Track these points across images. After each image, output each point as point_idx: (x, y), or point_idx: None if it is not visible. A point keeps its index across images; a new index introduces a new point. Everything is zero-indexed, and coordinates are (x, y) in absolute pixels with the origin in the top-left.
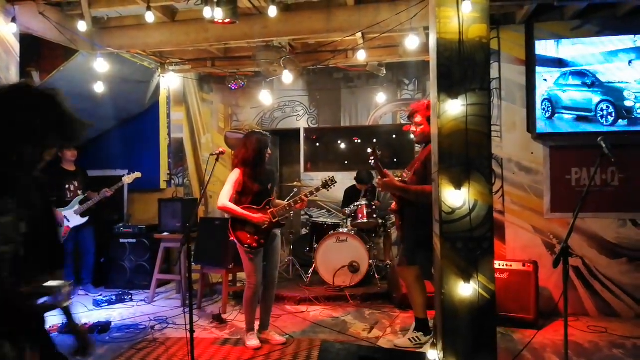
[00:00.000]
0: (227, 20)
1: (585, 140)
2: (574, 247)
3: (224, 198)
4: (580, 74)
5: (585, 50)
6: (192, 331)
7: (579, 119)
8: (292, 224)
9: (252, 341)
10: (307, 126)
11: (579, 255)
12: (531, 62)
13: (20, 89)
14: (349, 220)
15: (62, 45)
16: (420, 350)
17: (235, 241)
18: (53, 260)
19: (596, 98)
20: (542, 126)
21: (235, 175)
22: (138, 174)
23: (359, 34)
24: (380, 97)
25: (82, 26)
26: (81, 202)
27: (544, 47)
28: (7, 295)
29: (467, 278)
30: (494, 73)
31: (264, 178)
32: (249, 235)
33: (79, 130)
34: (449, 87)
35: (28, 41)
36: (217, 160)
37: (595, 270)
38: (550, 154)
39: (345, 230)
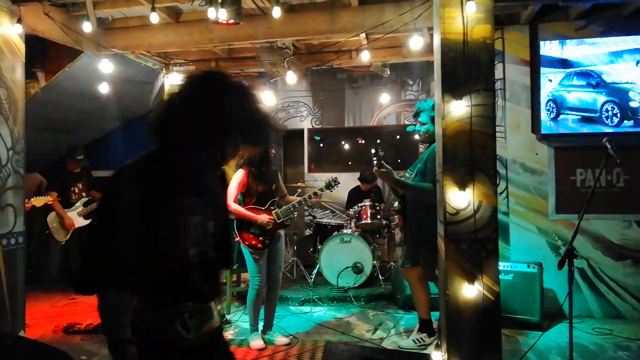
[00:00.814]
0: (231, 21)
1: (590, 141)
2: (579, 249)
3: (228, 199)
4: (585, 74)
5: (590, 51)
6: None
7: (584, 119)
8: (296, 224)
9: (256, 341)
10: (310, 127)
11: (584, 256)
12: (536, 62)
13: (213, 87)
14: (353, 221)
15: (67, 46)
16: (425, 351)
17: (240, 242)
18: (229, 257)
19: (601, 99)
20: (546, 127)
21: (239, 175)
22: None
23: (363, 35)
24: (384, 98)
25: (87, 27)
26: (85, 204)
27: (549, 48)
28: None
29: (471, 279)
30: (498, 74)
31: (268, 178)
32: (253, 236)
33: (267, 132)
34: (453, 87)
35: (33, 42)
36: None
37: (601, 271)
38: (555, 155)
39: (349, 231)
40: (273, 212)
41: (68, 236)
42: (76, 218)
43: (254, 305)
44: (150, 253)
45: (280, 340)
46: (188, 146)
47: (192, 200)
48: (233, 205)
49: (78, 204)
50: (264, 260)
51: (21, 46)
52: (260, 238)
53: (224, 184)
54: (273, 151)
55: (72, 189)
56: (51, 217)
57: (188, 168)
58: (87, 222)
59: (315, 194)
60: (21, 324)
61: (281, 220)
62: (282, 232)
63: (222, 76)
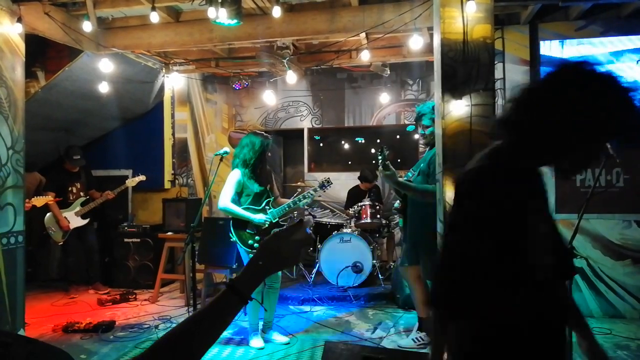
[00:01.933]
0: (230, 21)
1: None
2: (578, 248)
3: (224, 199)
4: None
5: (590, 51)
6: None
7: None
8: None
9: (256, 340)
10: (310, 126)
11: (583, 256)
12: (536, 62)
13: (590, 82)
14: (353, 220)
15: (67, 45)
16: (424, 350)
17: (237, 241)
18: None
19: None
20: None
21: (235, 175)
22: (142, 177)
23: (363, 34)
24: (384, 97)
25: (87, 26)
26: (82, 204)
27: (549, 48)
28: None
29: None
30: (498, 73)
31: (263, 179)
32: (249, 235)
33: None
34: (453, 87)
35: (33, 41)
36: (221, 160)
37: (600, 271)
38: None
39: (348, 230)
40: (268, 211)
41: (66, 237)
42: (73, 218)
43: (253, 305)
44: (520, 267)
45: (279, 339)
46: (556, 150)
47: (547, 206)
48: (229, 205)
49: (75, 203)
50: None
51: (21, 45)
52: (256, 237)
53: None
54: (268, 153)
55: (69, 189)
56: (48, 218)
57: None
58: (85, 221)
59: (304, 196)
60: (21, 322)
61: (277, 219)
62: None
63: (592, 67)
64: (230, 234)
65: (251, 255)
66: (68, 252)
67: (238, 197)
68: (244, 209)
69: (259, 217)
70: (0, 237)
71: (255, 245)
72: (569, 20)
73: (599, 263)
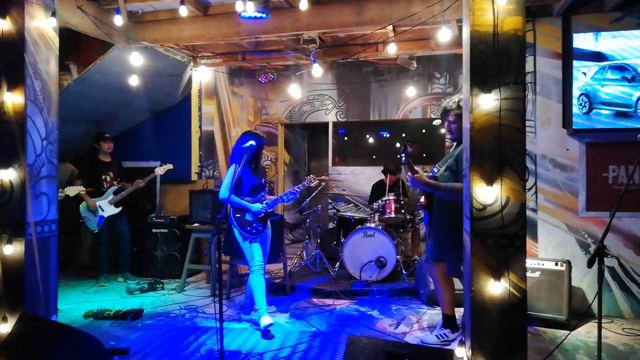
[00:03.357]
0: (258, 15)
1: (624, 137)
2: (610, 247)
3: (225, 189)
4: (620, 68)
5: (626, 44)
6: (221, 320)
7: (618, 114)
8: (319, 217)
9: (265, 318)
10: (335, 120)
11: (615, 255)
12: (568, 55)
13: None
14: (377, 215)
15: (98, 39)
16: (448, 347)
17: (237, 228)
18: None
19: (637, 93)
20: (578, 122)
21: (232, 169)
22: (170, 166)
23: (390, 27)
24: (411, 91)
25: (117, 20)
26: (115, 192)
27: (582, 40)
28: None
29: (497, 276)
30: (528, 67)
31: (258, 174)
32: (247, 223)
33: None
34: (482, 80)
35: (66, 35)
36: (247, 153)
37: (632, 271)
38: (587, 151)
39: (372, 225)
40: (264, 202)
41: (100, 226)
42: (107, 206)
43: (261, 287)
44: None
45: (265, 320)
46: None
47: None
48: (231, 196)
49: (108, 192)
50: (258, 243)
51: (55, 39)
52: (254, 225)
53: None
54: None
55: (103, 177)
56: (83, 207)
57: None
58: (118, 210)
59: (291, 192)
60: (54, 309)
61: (271, 210)
62: (268, 222)
63: None
64: (230, 221)
65: (247, 239)
66: (99, 241)
67: (235, 190)
68: (243, 198)
69: (256, 206)
70: (35, 226)
71: (254, 231)
72: (603, 12)
73: (631, 263)
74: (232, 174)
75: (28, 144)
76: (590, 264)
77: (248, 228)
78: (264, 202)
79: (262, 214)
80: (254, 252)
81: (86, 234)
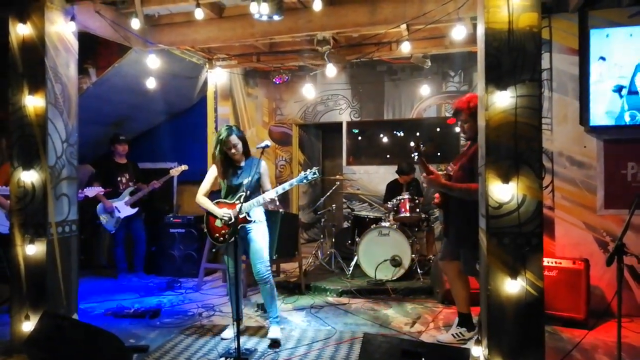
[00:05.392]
0: (272, 16)
1: None
2: (629, 245)
3: (198, 192)
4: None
5: None
6: (238, 319)
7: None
8: (334, 217)
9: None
10: (349, 120)
11: (635, 254)
12: (585, 51)
13: None
14: (392, 214)
15: (116, 42)
16: (464, 346)
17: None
18: None
19: None
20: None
21: (211, 171)
22: (184, 167)
23: (404, 26)
24: (425, 90)
25: (135, 24)
26: (131, 194)
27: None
28: None
29: (514, 274)
30: (544, 63)
31: (233, 175)
32: (217, 228)
33: None
34: (497, 78)
35: (85, 39)
36: (262, 153)
37: None
38: (605, 148)
39: (387, 224)
40: (237, 205)
41: (117, 226)
42: (123, 207)
43: (228, 295)
44: None
45: (273, 333)
46: None
47: None
48: (199, 199)
49: (125, 193)
50: (229, 252)
51: (75, 43)
52: (222, 231)
53: None
54: (233, 151)
55: (119, 179)
56: (100, 208)
57: None
58: (134, 210)
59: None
60: (74, 307)
61: (243, 215)
62: (254, 225)
63: None
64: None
65: (215, 247)
66: (116, 241)
67: (214, 192)
68: (217, 201)
69: (222, 213)
70: (56, 226)
71: (221, 239)
72: (621, 6)
73: None
74: (209, 175)
75: (49, 146)
76: (609, 263)
77: (215, 235)
78: (237, 205)
79: (229, 220)
80: (224, 262)
81: (105, 234)
